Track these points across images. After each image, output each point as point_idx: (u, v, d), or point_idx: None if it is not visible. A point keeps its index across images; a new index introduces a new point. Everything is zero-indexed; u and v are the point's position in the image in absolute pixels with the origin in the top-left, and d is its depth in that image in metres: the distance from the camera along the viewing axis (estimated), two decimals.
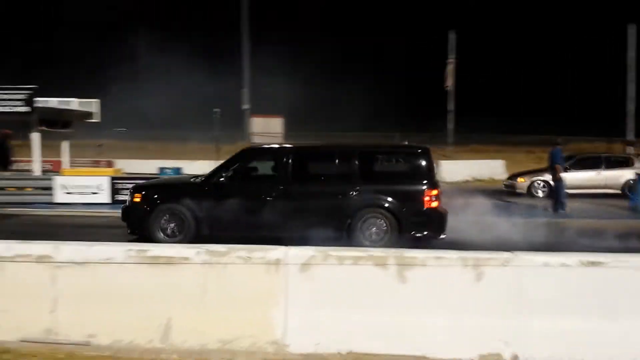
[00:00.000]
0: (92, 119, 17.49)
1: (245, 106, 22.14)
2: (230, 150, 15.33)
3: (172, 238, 8.73)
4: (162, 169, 16.14)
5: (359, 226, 8.50)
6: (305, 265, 4.66)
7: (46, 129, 15.38)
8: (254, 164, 9.42)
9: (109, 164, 20.77)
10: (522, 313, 4.52)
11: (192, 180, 9.58)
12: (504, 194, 17.47)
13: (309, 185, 8.81)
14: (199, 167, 15.58)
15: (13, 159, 15.81)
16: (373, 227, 8.55)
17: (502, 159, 23.57)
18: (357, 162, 8.80)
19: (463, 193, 14.85)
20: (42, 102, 15.33)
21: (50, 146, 17.75)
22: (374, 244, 8.27)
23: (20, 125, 16.00)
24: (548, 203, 14.38)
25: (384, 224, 8.52)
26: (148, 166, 17.45)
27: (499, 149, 29.82)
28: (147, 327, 4.58)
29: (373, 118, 33.07)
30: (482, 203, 12.99)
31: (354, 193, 8.58)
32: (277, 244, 4.83)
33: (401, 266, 4.64)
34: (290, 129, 28.49)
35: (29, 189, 14.98)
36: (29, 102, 13.97)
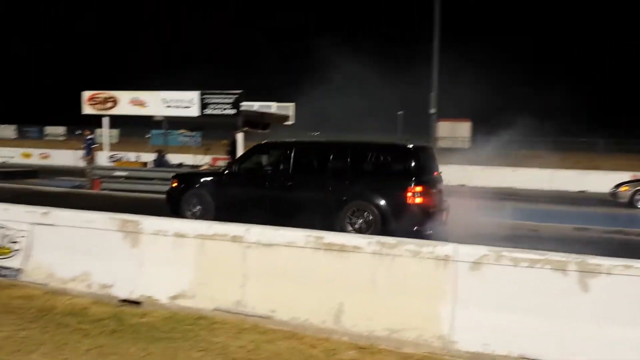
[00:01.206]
0: (288, 121, 18.94)
1: (433, 110, 21.95)
2: None
3: (198, 218, 9.92)
4: None
5: (347, 216, 9.07)
6: (476, 264, 4.59)
7: (249, 129, 17.02)
8: (262, 157, 10.52)
9: None
10: None
11: (216, 171, 11.25)
12: (607, 203, 16.44)
13: (306, 176, 9.63)
14: None
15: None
16: (360, 219, 9.03)
17: None
18: (349, 158, 9.46)
19: None
20: (247, 106, 16.98)
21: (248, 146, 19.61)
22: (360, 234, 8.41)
23: (227, 126, 17.91)
24: None
25: (369, 216, 8.95)
26: None
27: None
28: (321, 309, 4.91)
29: (573, 121, 30.54)
30: None
31: (344, 186, 9.22)
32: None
33: (583, 273, 4.32)
34: (478, 133, 27.60)
35: None
36: (235, 105, 15.62)
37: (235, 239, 5.42)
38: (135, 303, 5.62)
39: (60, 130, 52.98)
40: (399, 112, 16.55)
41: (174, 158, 20.13)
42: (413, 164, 9.04)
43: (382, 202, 8.92)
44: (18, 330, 4.82)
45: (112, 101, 17.14)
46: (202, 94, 16.02)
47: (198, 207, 10.23)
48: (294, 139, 10.89)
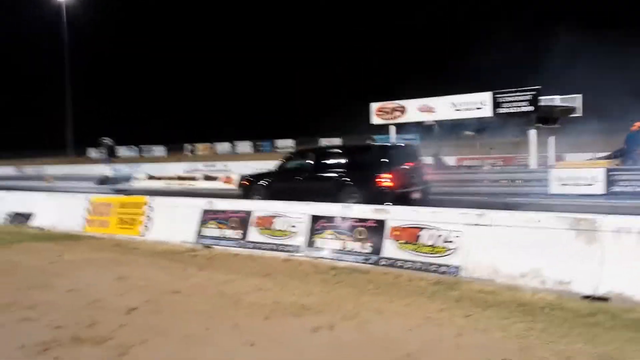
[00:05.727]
0: (574, 113, 18.01)
1: None
2: None
3: None
4: None
5: (344, 196, 12.33)
6: None
7: (541, 125, 16.62)
8: (293, 160, 14.97)
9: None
10: None
11: (269, 170, 15.33)
12: None
13: (320, 171, 13.64)
14: None
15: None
16: (352, 198, 12.04)
17: None
18: (345, 156, 13.68)
19: None
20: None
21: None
22: None
23: (513, 124, 17.69)
24: None
25: (357, 195, 12.33)
26: None
27: None
28: None
29: None
30: None
31: (342, 176, 13.13)
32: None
33: None
34: None
35: (520, 181, 16.57)
36: (533, 102, 15.37)
37: None
38: (602, 299, 5.79)
39: (289, 142, 56.24)
40: None
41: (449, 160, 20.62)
42: (384, 159, 12.86)
43: (363, 186, 12.45)
44: (529, 322, 5.26)
45: (400, 110, 18.16)
46: (494, 94, 16.11)
47: (258, 197, 13.88)
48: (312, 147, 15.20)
